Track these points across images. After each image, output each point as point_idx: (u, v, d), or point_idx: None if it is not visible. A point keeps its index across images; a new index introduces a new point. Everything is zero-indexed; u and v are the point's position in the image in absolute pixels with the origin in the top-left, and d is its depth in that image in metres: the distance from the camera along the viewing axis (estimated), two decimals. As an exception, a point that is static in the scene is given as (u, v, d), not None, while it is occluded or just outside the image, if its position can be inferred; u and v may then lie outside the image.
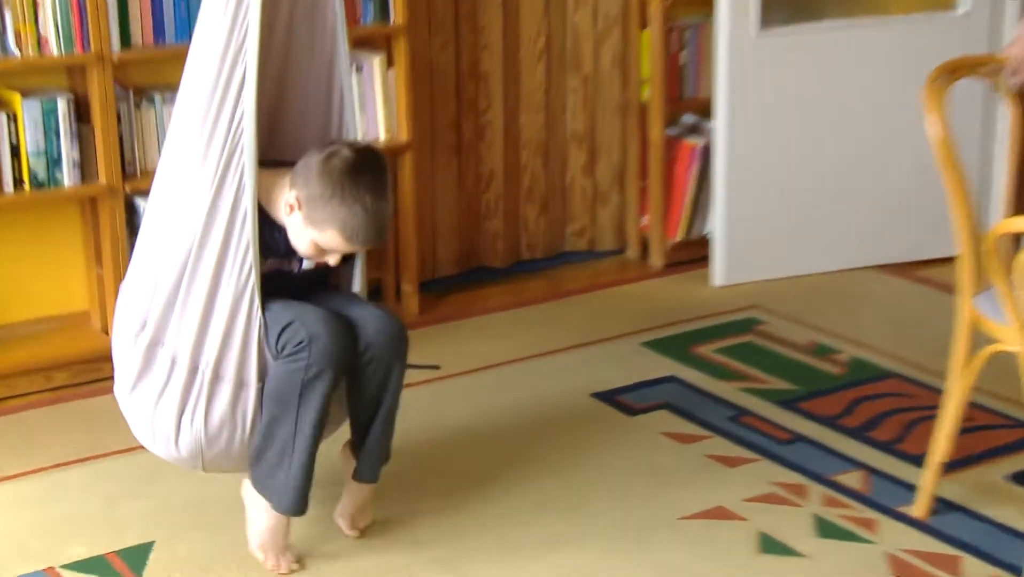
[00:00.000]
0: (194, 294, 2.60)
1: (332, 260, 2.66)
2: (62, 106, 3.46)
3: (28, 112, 3.42)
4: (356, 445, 2.85)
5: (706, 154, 4.43)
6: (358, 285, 2.88)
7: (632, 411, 3.49)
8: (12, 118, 3.42)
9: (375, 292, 4.27)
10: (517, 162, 4.50)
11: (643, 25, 4.43)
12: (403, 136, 4.01)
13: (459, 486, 3.11)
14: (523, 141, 4.50)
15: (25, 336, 3.66)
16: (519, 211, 4.55)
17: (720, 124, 4.28)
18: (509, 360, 3.82)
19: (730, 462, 3.22)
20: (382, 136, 3.98)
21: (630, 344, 3.91)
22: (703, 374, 3.69)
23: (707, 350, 3.86)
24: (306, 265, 2.74)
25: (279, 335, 2.63)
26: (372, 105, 3.95)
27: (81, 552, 2.85)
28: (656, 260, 4.56)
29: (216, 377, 2.65)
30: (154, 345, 2.65)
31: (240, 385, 2.67)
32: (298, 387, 2.62)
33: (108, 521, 2.97)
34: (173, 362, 2.65)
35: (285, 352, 2.63)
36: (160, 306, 2.63)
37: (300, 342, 2.61)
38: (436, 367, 3.75)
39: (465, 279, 4.45)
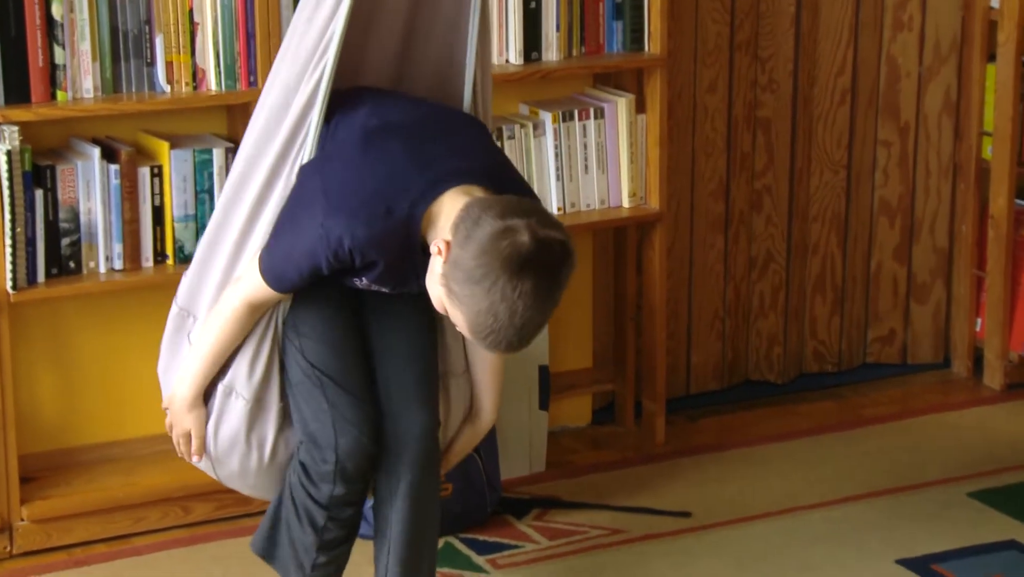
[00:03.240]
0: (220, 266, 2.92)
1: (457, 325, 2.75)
2: (218, 158, 3.63)
3: (176, 166, 3.61)
4: None
5: (1070, 238, 4.39)
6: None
7: (956, 590, 3.48)
8: (157, 173, 3.61)
9: (607, 409, 4.33)
10: (805, 241, 4.52)
11: (988, 57, 4.42)
12: (653, 203, 4.08)
13: None
14: (813, 213, 4.51)
15: (157, 455, 3.80)
16: (805, 308, 4.56)
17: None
18: (784, 509, 3.82)
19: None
20: (626, 202, 4.05)
21: (954, 494, 3.88)
22: (1058, 544, 3.65)
23: (1064, 510, 3.82)
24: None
25: (301, 423, 2.90)
26: (615, 161, 4.03)
27: None
28: (993, 379, 4.52)
29: (228, 391, 2.90)
30: (183, 316, 2.99)
31: (259, 405, 2.91)
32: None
33: None
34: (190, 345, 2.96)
35: (298, 460, 2.90)
36: (193, 276, 2.98)
37: (318, 460, 2.87)
38: (686, 514, 3.78)
39: (729, 398, 4.48)
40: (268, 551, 3.01)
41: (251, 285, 2.83)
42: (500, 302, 2.60)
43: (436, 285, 2.69)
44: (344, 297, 2.93)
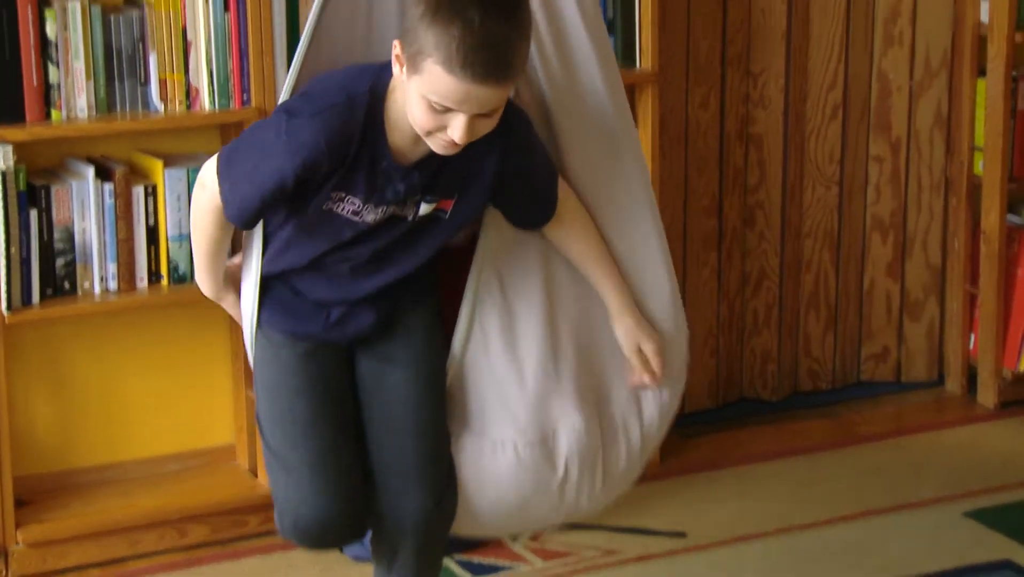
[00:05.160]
0: None
1: (456, 133, 2.62)
2: (212, 176, 3.72)
3: (171, 184, 3.69)
4: None
5: (1063, 253, 4.45)
6: (460, 336, 2.91)
7: (954, 611, 3.53)
8: (151, 192, 3.69)
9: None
10: (798, 258, 4.60)
11: (979, 72, 4.50)
12: (646, 220, 4.16)
13: None
14: (806, 229, 4.60)
15: (153, 477, 3.89)
16: (799, 325, 4.64)
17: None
18: (779, 529, 3.87)
19: None
20: (618, 219, 4.12)
21: (949, 513, 3.93)
22: (1054, 561, 3.69)
23: (1060, 528, 3.86)
24: (423, 210, 2.78)
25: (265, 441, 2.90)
26: (607, 178, 4.11)
27: None
28: (987, 397, 4.58)
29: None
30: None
31: None
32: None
33: None
34: None
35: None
36: None
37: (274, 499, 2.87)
38: (681, 534, 3.84)
39: (723, 416, 4.54)
40: None
41: (212, 200, 2.79)
42: (453, 18, 2.56)
43: (412, 95, 2.63)
44: (323, 369, 2.88)
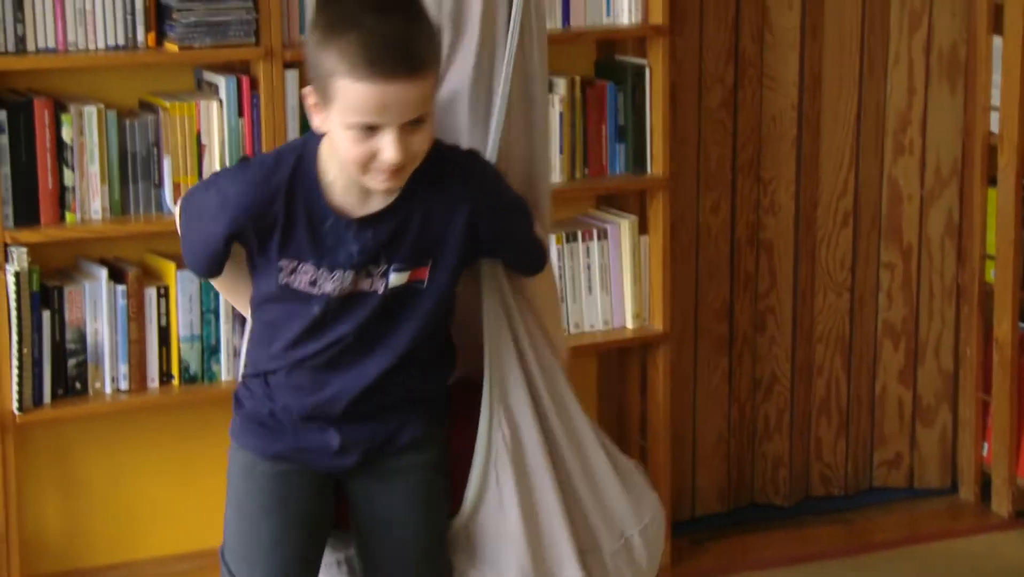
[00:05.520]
0: None
1: (388, 152, 2.53)
2: (224, 279, 3.78)
3: (183, 286, 3.75)
4: None
5: (1075, 360, 4.47)
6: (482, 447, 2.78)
7: None
8: (163, 293, 3.75)
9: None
10: (809, 362, 4.63)
11: (989, 181, 4.54)
12: (657, 324, 4.20)
13: None
14: (818, 334, 4.63)
15: None
16: (810, 430, 4.66)
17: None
18: (793, 639, 3.91)
19: None
20: (630, 323, 4.17)
21: (964, 625, 3.96)
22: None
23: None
24: (394, 280, 2.66)
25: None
26: (618, 282, 4.16)
27: None
28: (1001, 506, 4.59)
29: None
30: None
31: None
32: None
33: None
34: None
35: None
36: None
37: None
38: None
39: (734, 520, 4.54)
40: None
41: None
42: (347, 31, 2.51)
43: (335, 130, 2.55)
44: (299, 490, 2.75)
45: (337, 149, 2.58)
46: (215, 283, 2.84)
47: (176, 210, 2.80)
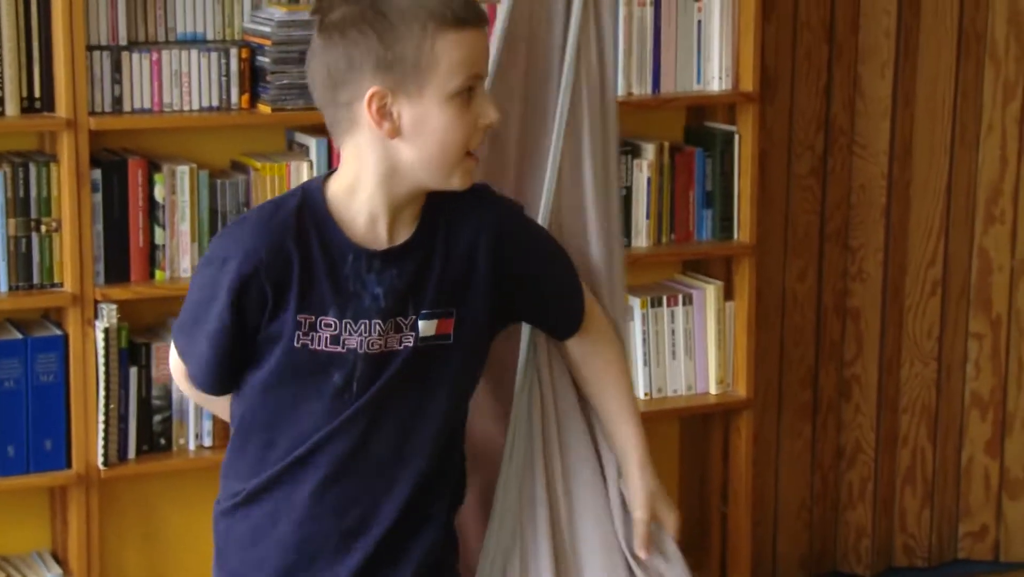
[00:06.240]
0: None
1: (489, 110, 2.34)
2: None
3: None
4: None
5: None
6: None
7: None
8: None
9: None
10: (894, 432, 4.61)
11: (1082, 252, 4.54)
12: (741, 391, 4.21)
13: None
14: (903, 404, 4.61)
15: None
16: (894, 499, 4.64)
17: None
18: None
19: None
20: (713, 388, 4.17)
21: None
22: None
23: None
24: (423, 329, 2.36)
25: None
26: (702, 347, 4.17)
27: None
28: (1088, 581, 4.57)
29: None
30: None
31: None
32: None
33: None
34: None
35: None
36: None
37: None
38: None
39: (816, 589, 4.55)
40: None
41: (184, 376, 2.47)
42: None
43: (425, 129, 2.30)
44: None
45: (434, 138, 2.31)
46: (208, 406, 2.61)
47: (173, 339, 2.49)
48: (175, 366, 2.50)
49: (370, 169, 2.34)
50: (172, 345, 2.49)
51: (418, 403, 2.38)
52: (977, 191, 4.57)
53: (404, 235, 2.38)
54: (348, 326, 2.34)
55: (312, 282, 2.33)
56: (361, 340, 2.35)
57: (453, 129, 2.31)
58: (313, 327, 2.34)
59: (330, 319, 2.34)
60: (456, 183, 2.36)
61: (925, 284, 4.57)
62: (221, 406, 2.51)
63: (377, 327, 2.35)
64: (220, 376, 2.40)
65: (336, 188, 2.37)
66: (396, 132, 2.31)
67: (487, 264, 2.41)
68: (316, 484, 2.36)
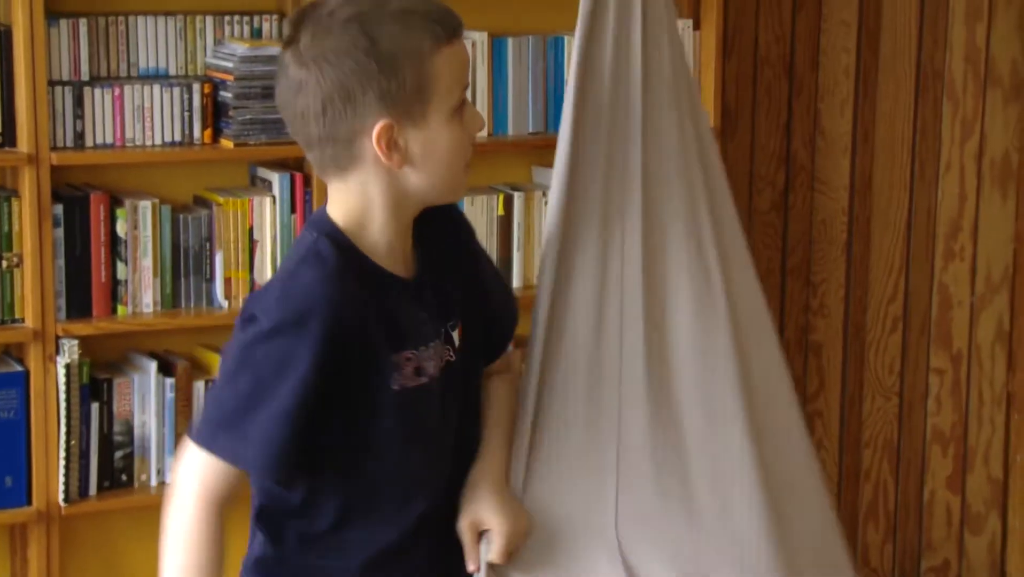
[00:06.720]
0: None
1: (476, 116, 2.31)
2: (272, 373, 3.81)
3: (231, 380, 3.78)
4: None
5: (1125, 470, 4.45)
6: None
7: None
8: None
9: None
10: (856, 467, 4.63)
11: (1039, 289, 4.56)
12: (703, 426, 4.21)
13: None
14: (865, 439, 4.63)
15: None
16: (857, 534, 4.65)
17: None
18: None
19: None
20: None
21: None
22: None
23: None
24: (456, 339, 2.36)
25: None
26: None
27: None
28: (1050, 615, 4.58)
29: None
30: None
31: None
32: None
33: None
34: None
35: None
36: None
37: None
38: None
39: (778, 624, 4.54)
40: None
41: (207, 487, 2.25)
42: (405, 20, 2.21)
43: (432, 154, 2.25)
44: None
45: (442, 161, 2.26)
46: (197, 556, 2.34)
47: (192, 452, 2.26)
48: (200, 478, 2.25)
49: (377, 201, 2.28)
50: (195, 454, 2.24)
51: (468, 400, 2.41)
52: (937, 227, 4.60)
53: (411, 254, 2.35)
54: (422, 354, 2.30)
55: (382, 322, 2.26)
56: (433, 360, 2.31)
57: (457, 146, 2.28)
58: (400, 366, 2.27)
59: (409, 352, 2.28)
60: (459, 196, 2.37)
61: (886, 319, 4.60)
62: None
63: (435, 348, 2.31)
64: (292, 457, 2.23)
65: (346, 225, 2.28)
66: (404, 162, 2.25)
67: (457, 262, 2.40)
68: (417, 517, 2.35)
